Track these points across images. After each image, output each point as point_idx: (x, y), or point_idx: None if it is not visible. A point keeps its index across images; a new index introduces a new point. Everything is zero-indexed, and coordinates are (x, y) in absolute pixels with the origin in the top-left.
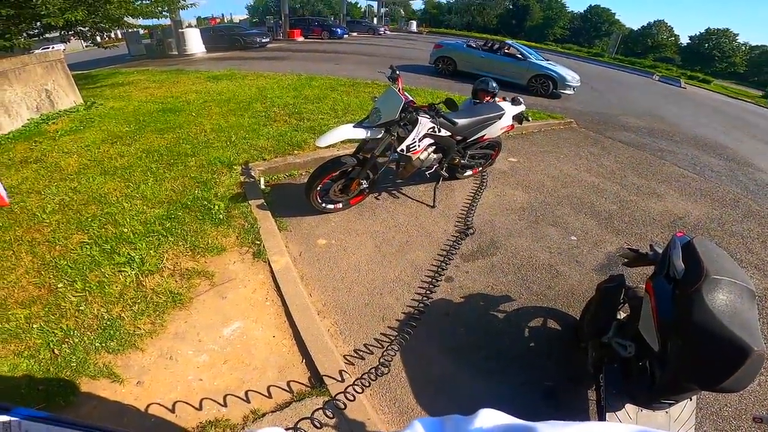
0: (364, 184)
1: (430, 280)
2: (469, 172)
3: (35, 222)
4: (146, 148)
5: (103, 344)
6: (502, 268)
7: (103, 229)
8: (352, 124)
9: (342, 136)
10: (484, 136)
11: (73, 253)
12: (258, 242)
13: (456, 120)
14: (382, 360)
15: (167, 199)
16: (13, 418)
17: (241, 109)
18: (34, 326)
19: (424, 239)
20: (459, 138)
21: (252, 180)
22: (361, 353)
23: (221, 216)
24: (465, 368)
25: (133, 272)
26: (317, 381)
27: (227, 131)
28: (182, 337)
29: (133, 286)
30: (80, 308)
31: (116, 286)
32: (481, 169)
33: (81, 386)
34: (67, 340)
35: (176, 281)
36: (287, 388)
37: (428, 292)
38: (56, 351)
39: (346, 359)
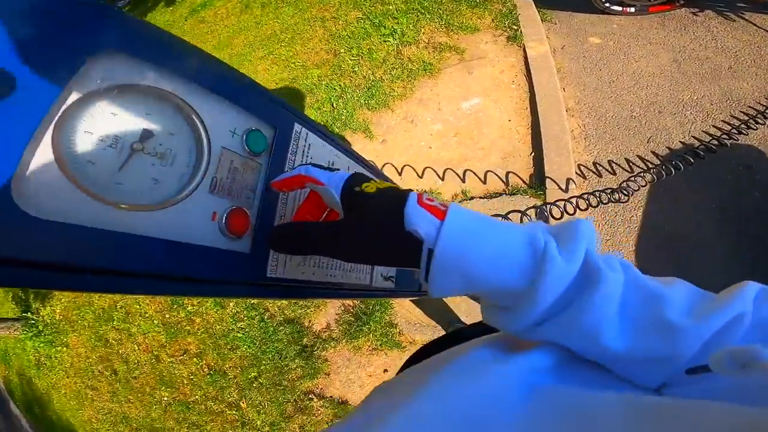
0: None
1: (745, 118)
2: None
3: (324, 3)
4: None
5: (366, 102)
6: None
7: (373, 7)
8: None
9: None
10: None
11: (351, 26)
12: (515, 27)
13: None
14: (625, 184)
15: None
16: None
17: None
18: (323, 83)
19: (758, 70)
20: None
21: None
22: (600, 169)
23: None
24: (727, 249)
25: (395, 42)
26: (538, 181)
27: None
28: (425, 104)
29: (393, 54)
30: (354, 70)
31: (380, 53)
32: None
33: (345, 137)
34: (342, 96)
35: (429, 53)
36: (503, 179)
37: (734, 131)
38: (334, 105)
39: (579, 169)
